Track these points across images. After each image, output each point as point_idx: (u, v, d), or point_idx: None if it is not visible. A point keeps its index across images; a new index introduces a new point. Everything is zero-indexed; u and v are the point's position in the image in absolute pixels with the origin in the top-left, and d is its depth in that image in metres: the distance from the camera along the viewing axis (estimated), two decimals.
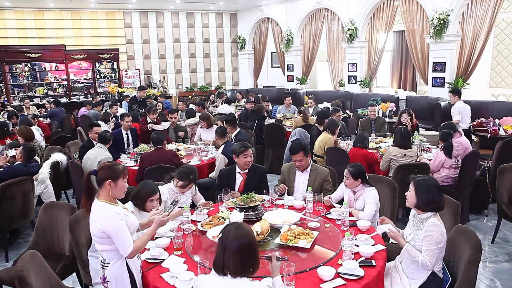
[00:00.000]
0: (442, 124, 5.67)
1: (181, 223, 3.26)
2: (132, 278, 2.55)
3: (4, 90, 12.25)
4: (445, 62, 9.12)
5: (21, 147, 5.00)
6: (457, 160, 5.08)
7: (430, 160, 5.29)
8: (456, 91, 7.54)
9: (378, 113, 8.61)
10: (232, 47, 15.94)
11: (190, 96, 14.06)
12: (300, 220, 3.35)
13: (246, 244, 2.11)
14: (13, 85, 12.67)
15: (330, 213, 3.54)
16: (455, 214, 3.31)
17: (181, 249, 2.91)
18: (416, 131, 6.50)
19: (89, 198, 2.56)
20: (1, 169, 4.80)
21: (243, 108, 9.34)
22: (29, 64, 12.72)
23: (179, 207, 3.42)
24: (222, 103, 10.62)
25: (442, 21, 8.74)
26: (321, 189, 4.01)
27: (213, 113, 9.50)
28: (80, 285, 3.58)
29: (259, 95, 10.55)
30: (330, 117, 6.38)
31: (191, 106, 9.74)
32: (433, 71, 9.43)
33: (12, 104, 11.43)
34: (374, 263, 2.65)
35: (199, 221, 3.39)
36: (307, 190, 3.84)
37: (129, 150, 6.31)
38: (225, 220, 3.34)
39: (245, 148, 4.21)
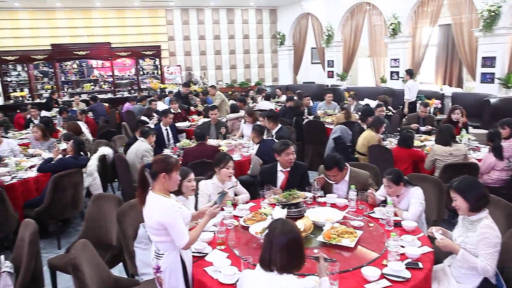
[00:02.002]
0: (501, 121, 5.09)
1: (223, 218, 3.30)
2: (184, 269, 2.62)
3: (55, 87, 12.89)
4: (495, 57, 8.64)
5: (71, 140, 5.24)
6: (510, 162, 4.76)
7: (479, 160, 5.05)
8: (409, 72, 9.18)
9: None
10: (271, 43, 15.92)
11: (229, 92, 14.19)
12: (343, 219, 3.30)
13: (293, 240, 2.11)
14: (63, 82, 13.33)
15: (374, 212, 3.45)
16: (508, 217, 3.15)
17: (224, 243, 2.95)
18: (464, 129, 6.23)
19: (143, 190, 2.63)
20: (54, 162, 5.06)
21: (283, 105, 9.31)
22: (77, 61, 13.32)
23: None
24: (262, 99, 10.63)
25: (493, 13, 8.29)
26: None
27: (253, 109, 9.52)
28: (127, 274, 3.71)
29: (300, 91, 10.45)
30: (374, 115, 6.24)
31: (231, 101, 9.84)
32: (482, 66, 8.96)
33: (62, 100, 12.04)
34: (421, 265, 2.57)
35: (241, 217, 3.42)
36: (348, 189, 3.73)
37: (171, 145, 6.45)
38: (267, 216, 3.35)
39: (287, 146, 4.10)
